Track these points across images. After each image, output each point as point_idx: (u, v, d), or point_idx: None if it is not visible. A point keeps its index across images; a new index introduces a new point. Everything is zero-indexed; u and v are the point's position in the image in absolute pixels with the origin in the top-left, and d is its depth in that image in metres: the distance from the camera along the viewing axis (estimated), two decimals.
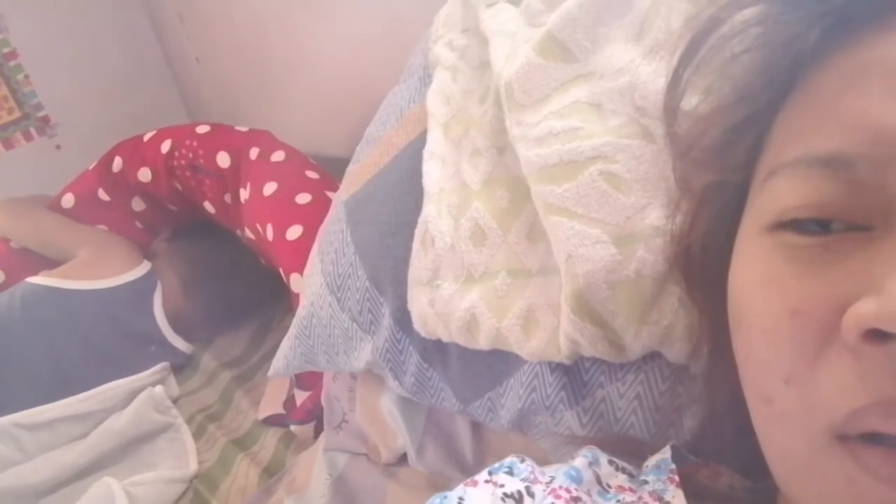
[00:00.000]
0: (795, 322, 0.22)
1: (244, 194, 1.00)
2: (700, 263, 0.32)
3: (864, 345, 0.19)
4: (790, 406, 0.22)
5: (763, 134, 0.27)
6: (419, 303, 0.50)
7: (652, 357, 0.40)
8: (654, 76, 0.39)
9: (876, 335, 0.19)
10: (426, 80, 0.60)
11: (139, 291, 1.06)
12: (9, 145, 1.50)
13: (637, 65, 0.40)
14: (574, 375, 0.44)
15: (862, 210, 0.22)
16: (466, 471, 0.59)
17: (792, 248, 0.23)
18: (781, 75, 0.25)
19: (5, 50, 1.45)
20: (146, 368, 1.01)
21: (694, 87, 0.30)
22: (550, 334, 0.42)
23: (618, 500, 0.32)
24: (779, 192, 0.24)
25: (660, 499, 0.31)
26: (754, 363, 0.25)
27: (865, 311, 0.19)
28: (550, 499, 0.31)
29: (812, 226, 0.23)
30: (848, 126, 0.22)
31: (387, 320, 0.55)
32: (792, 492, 0.25)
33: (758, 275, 0.24)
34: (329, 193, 0.93)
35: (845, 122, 0.22)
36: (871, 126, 0.21)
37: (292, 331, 0.65)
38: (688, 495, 0.30)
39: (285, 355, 0.66)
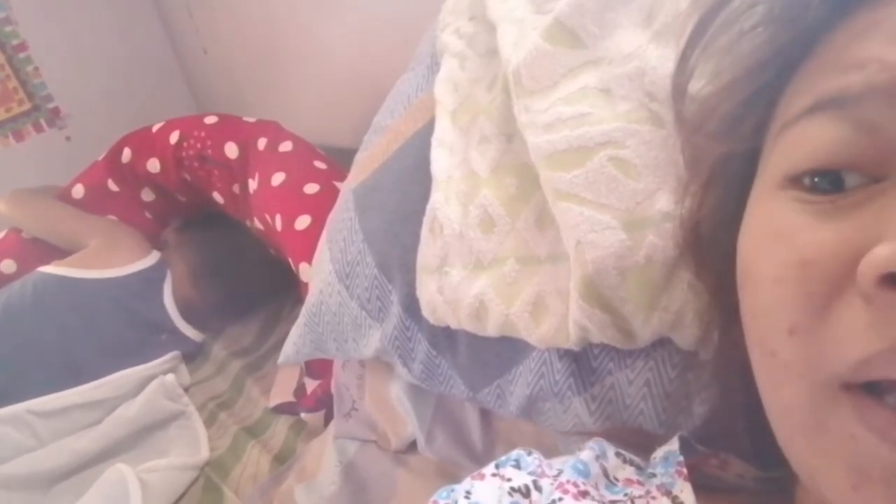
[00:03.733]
0: (804, 272, 0.22)
1: (253, 185, 1.01)
2: (709, 241, 0.31)
3: (879, 290, 0.19)
4: (793, 356, 0.22)
5: (773, 105, 0.27)
6: (428, 290, 0.50)
7: (661, 343, 0.40)
8: (662, 61, 0.39)
9: (892, 280, 0.19)
10: (434, 68, 0.59)
11: (149, 280, 1.07)
12: (19, 137, 1.50)
13: (646, 50, 0.40)
14: (583, 362, 0.44)
15: (873, 156, 0.22)
16: (475, 458, 0.60)
17: (803, 202, 0.23)
18: (789, 47, 0.26)
19: (15, 42, 1.45)
20: (157, 357, 1.02)
21: (701, 71, 0.30)
22: (559, 321, 0.42)
23: (625, 494, 0.32)
24: (791, 143, 0.24)
25: (668, 493, 0.31)
26: (760, 318, 0.24)
27: (881, 255, 0.19)
28: (558, 493, 0.31)
29: (825, 183, 0.23)
30: (853, 67, 0.22)
31: (395, 307, 0.55)
32: (793, 449, 0.24)
33: (767, 229, 0.24)
34: (337, 183, 0.93)
35: (850, 65, 0.22)
36: (875, 64, 0.21)
37: (301, 318, 0.65)
38: (696, 487, 0.30)
39: (295, 342, 0.67)
